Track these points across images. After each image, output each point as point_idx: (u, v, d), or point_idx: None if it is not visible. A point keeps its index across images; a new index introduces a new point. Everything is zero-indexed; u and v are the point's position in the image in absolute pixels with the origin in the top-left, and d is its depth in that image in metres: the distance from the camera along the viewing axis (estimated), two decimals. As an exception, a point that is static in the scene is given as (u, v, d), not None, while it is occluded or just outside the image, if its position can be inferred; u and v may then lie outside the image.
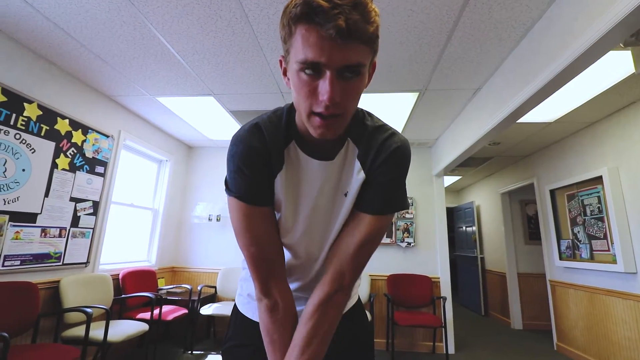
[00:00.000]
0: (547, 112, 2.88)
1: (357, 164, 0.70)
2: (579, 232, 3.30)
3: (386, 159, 0.68)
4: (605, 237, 2.96)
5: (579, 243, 3.30)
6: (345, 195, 0.73)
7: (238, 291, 0.92)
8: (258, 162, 0.67)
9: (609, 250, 2.91)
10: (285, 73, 0.63)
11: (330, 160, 0.70)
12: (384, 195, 0.70)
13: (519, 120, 2.42)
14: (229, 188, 0.69)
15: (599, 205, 3.04)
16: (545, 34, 1.76)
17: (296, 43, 0.54)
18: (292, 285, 0.82)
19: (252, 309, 0.85)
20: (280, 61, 0.64)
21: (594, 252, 3.10)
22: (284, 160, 0.69)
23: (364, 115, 0.73)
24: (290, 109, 0.71)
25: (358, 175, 0.70)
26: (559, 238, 3.62)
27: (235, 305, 0.92)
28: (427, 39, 1.99)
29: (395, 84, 2.54)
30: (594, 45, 1.40)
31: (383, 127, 0.71)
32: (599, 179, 3.03)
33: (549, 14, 1.72)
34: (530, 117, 2.97)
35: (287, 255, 0.80)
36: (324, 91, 0.53)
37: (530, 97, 1.89)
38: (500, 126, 2.36)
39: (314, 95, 0.55)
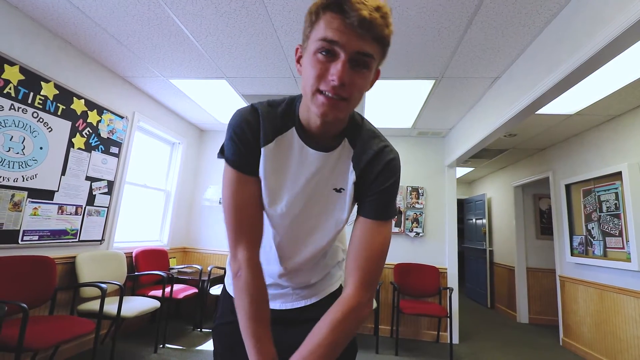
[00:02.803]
0: (568, 103, 2.78)
1: (350, 165, 0.75)
2: (593, 228, 3.23)
3: (383, 169, 0.74)
4: (620, 235, 2.89)
5: (592, 239, 3.24)
6: (338, 191, 0.77)
7: (227, 272, 0.96)
8: (248, 135, 0.72)
9: (623, 248, 2.84)
10: (299, 60, 0.68)
11: (326, 152, 0.74)
12: (386, 201, 0.75)
13: (538, 112, 2.34)
14: (222, 152, 0.75)
15: (616, 201, 2.96)
16: (572, 20, 1.68)
17: (319, 27, 0.60)
18: (277, 270, 0.85)
19: None
20: (297, 49, 0.69)
21: (608, 249, 3.03)
22: (272, 140, 0.73)
23: (361, 118, 0.79)
24: (293, 100, 0.76)
25: (351, 175, 0.75)
26: (571, 234, 3.55)
27: (224, 285, 0.98)
28: (446, 24, 1.93)
29: (411, 70, 2.48)
30: (624, 32, 1.33)
31: (378, 136, 0.77)
32: (617, 175, 2.94)
33: (578, -1, 1.64)
34: (550, 108, 2.87)
35: (271, 239, 0.82)
36: (334, 71, 0.58)
37: (552, 87, 1.82)
38: (518, 117, 2.29)
39: (324, 77, 0.60)
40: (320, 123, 0.69)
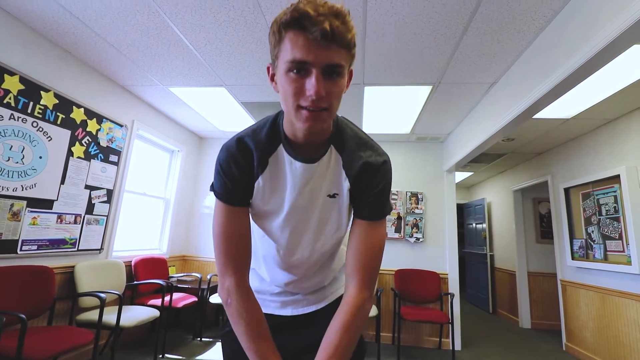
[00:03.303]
0: (564, 108, 2.80)
1: (343, 173, 0.78)
2: (593, 231, 3.23)
3: (375, 174, 0.77)
4: (620, 238, 2.89)
5: (592, 243, 3.23)
6: (332, 196, 0.79)
7: None
8: (234, 170, 0.75)
9: (623, 251, 2.84)
10: (272, 78, 0.70)
11: (312, 163, 0.76)
12: (380, 203, 0.78)
13: (535, 116, 2.36)
14: (212, 186, 0.80)
15: (615, 205, 2.97)
16: (566, 26, 1.70)
17: (285, 47, 0.61)
18: (284, 279, 0.89)
19: None
20: (268, 68, 0.71)
21: (608, 253, 3.03)
22: (267, 164, 0.77)
23: (345, 124, 0.81)
24: (276, 118, 0.78)
25: (345, 183, 0.78)
26: (571, 237, 3.55)
27: None
28: (442, 30, 1.95)
29: (409, 76, 2.50)
30: (617, 38, 1.35)
31: (366, 142, 0.79)
32: (616, 178, 2.95)
33: (572, 4, 1.66)
34: (547, 113, 2.90)
35: (274, 250, 0.86)
36: (310, 87, 0.60)
37: (548, 92, 1.84)
38: (515, 122, 2.31)
39: (301, 92, 0.62)
40: (307, 134, 0.71)
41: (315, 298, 0.93)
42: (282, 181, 0.78)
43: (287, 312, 0.92)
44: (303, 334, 0.89)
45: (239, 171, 0.75)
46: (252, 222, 0.85)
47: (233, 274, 0.76)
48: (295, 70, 0.61)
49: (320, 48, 0.59)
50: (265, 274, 0.93)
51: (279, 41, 0.63)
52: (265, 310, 0.87)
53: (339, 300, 0.92)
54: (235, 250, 0.77)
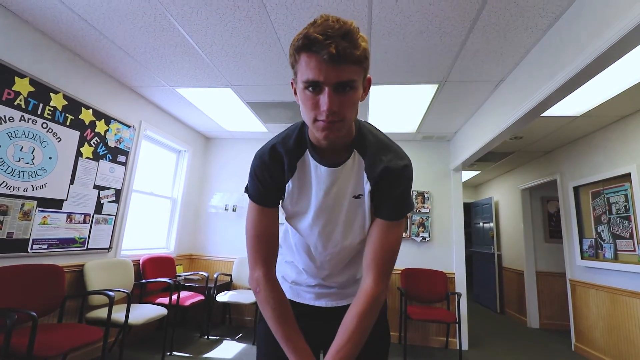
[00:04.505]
0: (574, 105, 2.76)
1: (365, 175, 0.84)
2: (603, 231, 3.18)
3: (395, 178, 0.82)
4: (631, 237, 2.84)
5: (602, 242, 3.18)
6: (357, 197, 0.86)
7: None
8: (266, 175, 0.85)
9: (634, 250, 2.79)
10: (296, 92, 0.77)
11: (336, 167, 0.83)
12: (399, 205, 0.84)
13: (543, 114, 2.33)
14: (247, 188, 0.89)
15: (625, 203, 2.92)
16: (575, 22, 1.67)
17: (301, 67, 0.69)
18: (318, 273, 0.97)
19: (285, 289, 1.01)
20: (292, 83, 0.79)
21: (619, 252, 2.98)
22: (296, 168, 0.85)
23: (367, 129, 0.87)
24: (302, 126, 0.86)
25: (366, 185, 0.84)
26: (581, 237, 3.49)
27: None
28: (448, 28, 1.93)
29: (415, 75, 2.49)
30: (628, 33, 1.32)
31: (387, 146, 0.85)
32: (627, 177, 2.90)
33: (580, 0, 1.63)
34: (556, 110, 2.85)
35: (308, 247, 0.95)
36: (323, 103, 0.67)
37: (557, 89, 1.81)
38: (523, 120, 2.28)
39: (316, 107, 0.69)
40: (326, 142, 0.78)
41: (349, 292, 1.00)
42: (308, 184, 0.86)
43: (322, 303, 1.00)
44: (336, 325, 0.96)
45: (271, 176, 0.85)
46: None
47: (262, 266, 0.85)
48: (310, 89, 0.68)
49: (330, 68, 0.65)
50: (302, 267, 1.01)
51: (295, 62, 0.70)
52: (301, 300, 1.00)
53: None
54: (264, 247, 0.86)
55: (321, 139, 0.73)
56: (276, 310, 0.82)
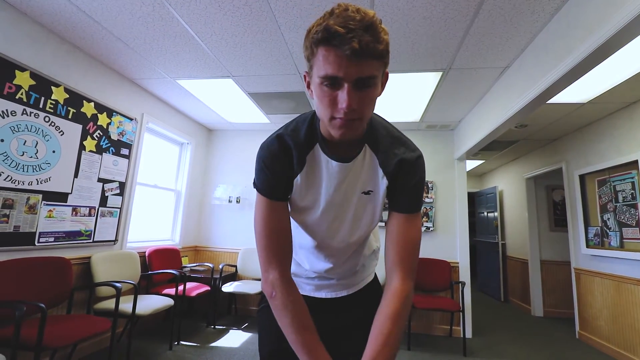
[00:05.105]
0: (580, 92, 2.70)
1: (380, 171, 0.81)
2: (609, 219, 3.15)
3: (411, 170, 0.79)
4: (637, 225, 2.81)
5: (608, 230, 3.16)
6: (367, 193, 0.83)
7: None
8: (275, 166, 0.79)
9: (641, 238, 2.77)
10: (309, 86, 0.73)
11: (347, 162, 0.80)
12: (416, 196, 0.81)
13: (549, 101, 2.29)
14: (255, 182, 0.83)
15: (632, 191, 2.88)
16: (583, 6, 1.62)
17: (318, 61, 0.64)
18: (321, 267, 0.94)
19: None
20: (305, 76, 0.74)
21: (624, 240, 2.96)
22: (305, 162, 0.80)
23: (378, 122, 0.83)
24: (313, 117, 0.81)
25: (382, 180, 0.81)
26: (586, 225, 3.47)
27: None
28: (452, 14, 1.89)
29: (418, 62, 2.44)
30: (637, 17, 1.28)
31: (399, 139, 0.82)
32: (633, 164, 2.86)
33: (589, -17, 1.58)
34: (562, 97, 2.80)
35: (312, 241, 0.90)
36: (342, 100, 0.63)
37: (563, 75, 1.77)
38: (529, 107, 2.24)
39: (334, 104, 0.64)
40: (341, 140, 0.74)
41: (348, 283, 0.99)
42: (318, 179, 0.82)
43: (322, 294, 0.98)
44: (336, 316, 0.96)
45: (280, 166, 0.79)
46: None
47: (276, 267, 0.79)
48: (328, 84, 0.63)
49: (351, 63, 0.60)
50: (303, 261, 0.98)
51: (312, 55, 0.65)
52: (300, 292, 0.93)
53: (367, 286, 1.02)
54: (278, 245, 0.80)
55: (337, 137, 0.69)
56: (295, 317, 0.75)
